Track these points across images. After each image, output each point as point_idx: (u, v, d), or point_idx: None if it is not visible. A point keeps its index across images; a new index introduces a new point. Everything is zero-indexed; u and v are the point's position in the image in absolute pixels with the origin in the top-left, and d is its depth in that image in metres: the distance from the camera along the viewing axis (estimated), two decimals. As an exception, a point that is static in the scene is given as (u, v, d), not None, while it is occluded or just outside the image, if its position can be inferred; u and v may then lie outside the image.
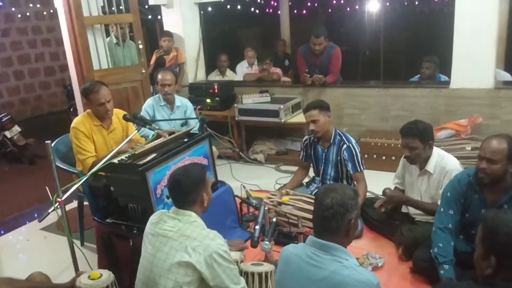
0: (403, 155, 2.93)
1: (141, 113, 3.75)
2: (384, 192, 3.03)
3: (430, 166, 2.82)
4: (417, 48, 6.39)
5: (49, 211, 2.35)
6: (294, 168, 4.51)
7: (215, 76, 5.86)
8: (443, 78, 4.68)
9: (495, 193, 2.32)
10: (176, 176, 2.07)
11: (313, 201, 2.02)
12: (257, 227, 2.72)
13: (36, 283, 2.20)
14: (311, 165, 3.60)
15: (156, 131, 3.10)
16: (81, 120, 3.14)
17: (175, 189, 2.06)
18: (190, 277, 1.87)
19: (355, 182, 3.35)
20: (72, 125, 3.12)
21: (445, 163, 2.78)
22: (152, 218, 2.09)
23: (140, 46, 4.74)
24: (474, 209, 2.41)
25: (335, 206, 1.64)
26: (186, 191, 2.02)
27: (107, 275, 2.13)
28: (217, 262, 1.87)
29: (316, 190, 3.21)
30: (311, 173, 3.71)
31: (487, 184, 2.29)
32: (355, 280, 1.55)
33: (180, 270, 1.88)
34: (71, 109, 6.69)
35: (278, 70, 5.56)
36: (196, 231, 1.94)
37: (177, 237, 1.93)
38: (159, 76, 3.93)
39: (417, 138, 2.76)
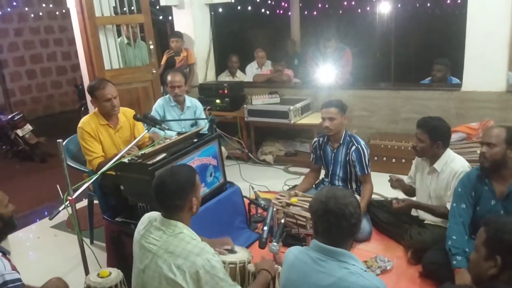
0: (411, 146, 2.95)
1: (152, 113, 3.78)
2: (392, 203, 3.02)
3: (438, 165, 2.82)
4: (429, 50, 6.35)
5: (60, 209, 2.37)
6: (303, 170, 4.52)
7: (225, 77, 5.87)
8: (455, 80, 4.64)
9: (502, 183, 2.35)
10: (163, 178, 1.88)
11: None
12: (265, 228, 2.72)
13: None
14: (322, 167, 3.59)
15: (165, 131, 3.12)
16: (87, 120, 3.16)
17: (160, 193, 1.87)
18: None
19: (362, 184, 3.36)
20: (79, 125, 3.14)
21: (454, 164, 2.77)
22: (140, 227, 1.98)
23: (151, 47, 4.77)
24: (484, 202, 2.42)
25: (357, 210, 1.63)
26: (173, 196, 1.86)
27: (116, 274, 2.15)
28: (204, 279, 1.77)
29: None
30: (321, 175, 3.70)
31: (487, 168, 2.35)
32: (361, 286, 1.54)
33: None
34: (82, 108, 6.76)
35: (289, 72, 5.56)
36: (180, 246, 1.82)
37: (162, 253, 1.83)
38: (169, 78, 3.94)
39: (426, 132, 2.78)
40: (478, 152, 3.82)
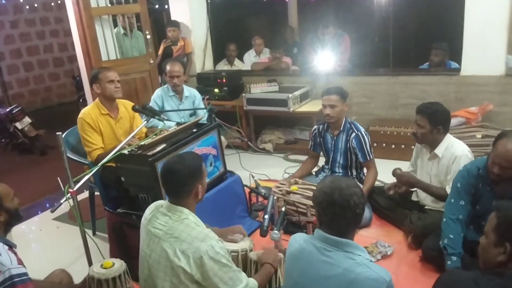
0: (411, 133, 2.92)
1: (150, 104, 3.78)
2: (394, 172, 3.03)
3: (439, 150, 2.82)
4: (428, 34, 6.28)
5: (61, 201, 2.39)
6: (303, 157, 4.52)
7: (223, 66, 5.84)
8: (454, 65, 4.62)
9: (506, 186, 2.30)
10: (171, 165, 1.93)
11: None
12: (266, 216, 2.73)
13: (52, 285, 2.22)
14: (321, 154, 3.60)
15: (164, 122, 3.12)
16: (87, 111, 3.16)
17: (169, 178, 1.93)
18: (184, 279, 1.82)
19: (365, 170, 3.37)
20: (79, 115, 3.16)
21: (454, 149, 2.77)
22: (147, 212, 2.02)
23: (148, 37, 4.74)
24: (485, 201, 2.39)
25: (362, 200, 1.62)
26: (182, 182, 1.91)
27: (119, 264, 2.17)
28: (208, 265, 1.80)
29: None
30: (321, 162, 3.71)
31: (499, 182, 2.29)
32: (368, 278, 1.54)
33: (174, 273, 1.83)
34: (81, 100, 6.74)
35: (288, 60, 5.53)
36: (185, 232, 1.85)
37: (167, 238, 1.86)
38: (168, 68, 3.92)
39: (426, 118, 2.77)
40: (478, 136, 3.89)
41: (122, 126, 3.26)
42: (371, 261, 1.62)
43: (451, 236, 2.38)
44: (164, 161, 2.54)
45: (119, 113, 3.26)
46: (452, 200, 2.47)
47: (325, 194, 1.62)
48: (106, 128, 3.18)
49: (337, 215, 1.60)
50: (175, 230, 1.87)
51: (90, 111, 3.16)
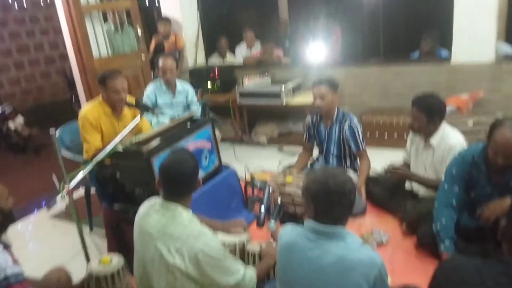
0: (408, 125, 2.93)
1: (144, 99, 3.78)
2: (388, 170, 3.04)
3: (434, 140, 2.83)
4: (417, 22, 6.30)
5: (57, 198, 2.39)
6: (297, 149, 4.54)
7: (215, 59, 5.84)
8: (445, 52, 4.65)
9: (501, 172, 2.31)
10: (176, 167, 1.91)
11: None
12: (262, 208, 2.75)
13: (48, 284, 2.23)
14: (315, 145, 3.61)
15: (158, 116, 3.11)
16: (90, 109, 3.14)
17: (175, 180, 1.91)
18: (180, 277, 1.82)
19: (358, 160, 3.39)
20: (81, 113, 3.14)
21: (449, 139, 2.78)
22: (141, 210, 2.01)
23: (139, 33, 4.72)
24: (480, 188, 2.40)
25: (354, 186, 1.67)
26: (185, 182, 1.92)
27: (117, 260, 2.18)
28: (204, 261, 1.80)
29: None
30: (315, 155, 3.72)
31: (503, 171, 2.28)
32: (361, 261, 1.57)
33: (169, 271, 1.83)
34: (73, 99, 6.70)
35: (279, 52, 5.53)
36: (178, 229, 1.84)
37: (160, 236, 1.85)
38: (160, 62, 3.92)
39: (422, 112, 2.77)
40: (469, 123, 3.91)
41: (124, 124, 3.21)
42: (361, 245, 1.65)
43: (444, 221, 2.41)
44: (159, 157, 2.57)
45: (122, 112, 3.25)
46: (446, 186, 2.48)
47: (320, 184, 1.63)
48: (108, 127, 3.17)
49: (334, 203, 1.61)
50: (169, 228, 1.86)
51: (93, 109, 3.13)
